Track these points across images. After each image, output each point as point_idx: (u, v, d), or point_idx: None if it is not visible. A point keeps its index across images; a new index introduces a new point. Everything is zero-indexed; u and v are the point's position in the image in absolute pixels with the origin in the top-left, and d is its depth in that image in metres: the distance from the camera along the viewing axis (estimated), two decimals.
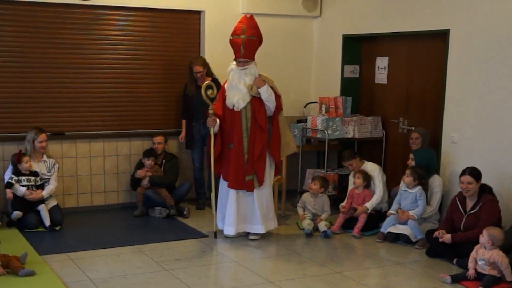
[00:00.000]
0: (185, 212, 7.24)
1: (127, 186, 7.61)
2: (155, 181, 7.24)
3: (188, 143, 7.66)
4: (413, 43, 7.37)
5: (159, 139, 7.47)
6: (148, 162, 7.27)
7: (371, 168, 6.95)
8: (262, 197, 6.39)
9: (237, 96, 6.22)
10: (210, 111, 6.22)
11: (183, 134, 7.67)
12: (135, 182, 7.36)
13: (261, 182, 6.33)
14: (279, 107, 6.36)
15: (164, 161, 7.45)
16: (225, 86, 6.35)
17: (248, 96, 6.23)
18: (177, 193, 7.38)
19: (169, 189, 7.32)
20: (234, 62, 6.29)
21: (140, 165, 7.38)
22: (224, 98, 6.32)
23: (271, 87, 6.30)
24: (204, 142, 7.48)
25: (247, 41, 6.17)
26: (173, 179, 7.45)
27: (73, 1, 7.11)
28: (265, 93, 6.24)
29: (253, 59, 6.28)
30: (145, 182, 7.22)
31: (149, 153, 7.34)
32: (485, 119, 6.30)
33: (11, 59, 7.03)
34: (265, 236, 6.53)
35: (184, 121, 7.65)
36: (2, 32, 6.95)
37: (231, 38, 6.26)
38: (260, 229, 6.38)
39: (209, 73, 7.40)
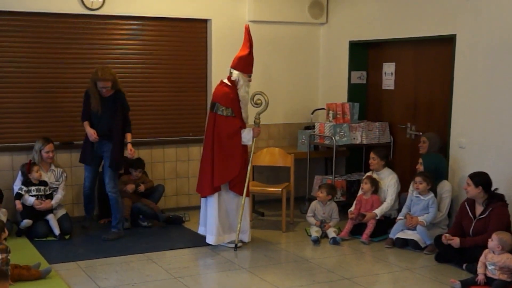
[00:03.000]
0: (186, 218, 7.31)
1: None
2: (147, 192, 7.33)
3: (84, 158, 6.88)
4: (419, 48, 7.38)
5: (128, 147, 7.16)
6: (136, 173, 7.24)
7: (389, 176, 6.91)
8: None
9: (248, 110, 6.28)
10: (257, 121, 6.24)
11: (91, 131, 6.66)
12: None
13: None
14: None
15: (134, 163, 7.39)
16: (232, 98, 6.18)
17: None
18: (155, 199, 7.33)
19: (146, 196, 7.30)
20: (239, 73, 6.18)
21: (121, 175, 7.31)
22: (240, 110, 6.25)
23: None
24: (100, 162, 6.89)
25: None
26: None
27: (81, 11, 7.15)
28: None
29: None
30: (130, 188, 7.12)
31: (137, 164, 7.27)
32: (493, 124, 6.28)
33: (20, 69, 7.09)
34: (273, 243, 6.56)
35: (86, 122, 6.72)
36: (11, 42, 7.01)
37: (250, 53, 6.19)
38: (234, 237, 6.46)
39: (114, 86, 6.66)
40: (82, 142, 7.13)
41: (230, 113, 6.16)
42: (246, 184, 6.25)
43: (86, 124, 6.74)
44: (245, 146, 6.29)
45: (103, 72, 6.55)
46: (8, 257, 5.12)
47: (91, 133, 6.67)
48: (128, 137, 6.87)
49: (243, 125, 6.24)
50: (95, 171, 6.98)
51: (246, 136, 6.19)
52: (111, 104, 6.69)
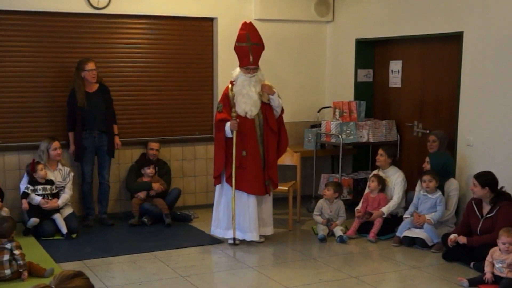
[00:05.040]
0: (192, 217, 7.33)
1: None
2: (162, 194, 7.30)
3: (78, 156, 7.04)
4: (426, 46, 7.34)
5: (156, 145, 7.41)
6: (149, 170, 7.25)
7: (395, 173, 6.89)
8: (271, 200, 6.54)
9: (249, 104, 6.24)
10: (234, 114, 6.23)
11: (73, 147, 7.04)
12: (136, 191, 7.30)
13: (276, 185, 6.46)
14: (283, 111, 6.48)
15: (157, 167, 7.41)
16: (230, 93, 6.28)
17: (259, 102, 6.27)
18: (168, 201, 7.29)
19: (161, 197, 7.30)
20: (238, 69, 6.30)
21: (137, 174, 7.33)
22: (230, 105, 6.30)
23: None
24: (96, 154, 7.12)
25: (253, 48, 6.21)
26: (168, 187, 7.46)
27: (87, 11, 7.16)
28: (276, 99, 6.32)
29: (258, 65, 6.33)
30: (143, 195, 7.17)
31: (149, 161, 7.33)
32: (501, 121, 6.25)
33: (26, 69, 7.10)
34: (280, 242, 6.55)
35: (71, 134, 7.02)
36: (17, 42, 7.03)
37: (237, 45, 6.27)
38: (271, 231, 6.54)
39: (98, 76, 7.03)
40: None
41: (220, 109, 6.33)
42: (233, 177, 6.30)
43: (71, 135, 7.03)
44: (238, 139, 6.26)
45: (86, 59, 6.94)
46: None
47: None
48: (115, 128, 7.19)
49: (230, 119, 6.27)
50: (92, 165, 7.16)
51: (227, 129, 6.26)
52: (101, 98, 7.02)
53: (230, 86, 6.29)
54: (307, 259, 6.02)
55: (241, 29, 6.32)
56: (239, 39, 6.27)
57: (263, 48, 6.34)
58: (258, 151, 6.31)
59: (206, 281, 5.38)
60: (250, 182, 6.28)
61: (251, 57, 6.20)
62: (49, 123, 7.24)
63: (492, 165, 6.12)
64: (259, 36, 6.30)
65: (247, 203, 6.33)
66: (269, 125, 6.31)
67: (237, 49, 6.29)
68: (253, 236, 6.38)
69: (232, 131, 6.22)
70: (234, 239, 6.38)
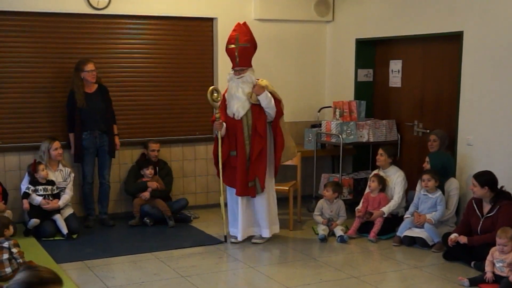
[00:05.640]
0: (191, 218, 7.34)
1: None
2: (157, 194, 7.25)
3: (78, 156, 7.03)
4: (426, 45, 7.34)
5: (156, 146, 7.41)
6: (148, 171, 7.25)
7: (396, 173, 6.89)
8: (267, 202, 6.45)
9: (236, 105, 6.27)
10: (217, 115, 6.28)
11: (73, 148, 7.06)
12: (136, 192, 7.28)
13: (262, 188, 6.35)
14: (279, 112, 6.34)
15: (157, 168, 7.42)
16: (225, 95, 6.37)
17: (248, 104, 6.26)
18: (174, 208, 7.27)
19: (164, 199, 7.28)
20: (232, 71, 6.34)
21: (137, 175, 7.35)
22: (225, 107, 6.37)
23: (271, 92, 6.30)
24: (96, 154, 7.12)
25: (241, 49, 6.20)
26: (170, 187, 7.47)
27: (87, 11, 7.16)
28: (265, 100, 6.23)
29: (249, 66, 6.29)
30: (147, 194, 7.16)
31: (148, 162, 7.34)
32: (501, 121, 6.25)
33: (26, 69, 7.10)
34: (281, 241, 6.54)
35: (72, 135, 7.03)
36: (17, 43, 7.03)
37: (227, 47, 6.31)
38: (266, 233, 6.48)
39: (97, 77, 7.03)
40: None
41: (214, 110, 6.44)
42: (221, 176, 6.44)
43: (72, 136, 7.03)
44: (226, 140, 6.34)
45: (85, 59, 6.94)
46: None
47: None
48: (115, 128, 7.20)
49: (224, 120, 6.34)
50: (93, 166, 7.16)
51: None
52: (100, 99, 7.03)
53: (210, 89, 6.35)
54: (307, 259, 6.02)
55: (233, 30, 6.35)
56: (228, 41, 6.31)
57: (254, 48, 6.31)
58: (245, 152, 6.31)
59: (206, 281, 5.37)
60: (238, 183, 6.31)
61: (237, 59, 6.22)
62: (49, 123, 7.24)
63: (492, 165, 6.12)
64: (249, 36, 6.27)
65: (237, 202, 6.40)
66: (256, 127, 6.28)
67: (227, 51, 6.34)
68: (239, 235, 6.41)
69: (218, 132, 6.31)
70: (225, 236, 6.46)
